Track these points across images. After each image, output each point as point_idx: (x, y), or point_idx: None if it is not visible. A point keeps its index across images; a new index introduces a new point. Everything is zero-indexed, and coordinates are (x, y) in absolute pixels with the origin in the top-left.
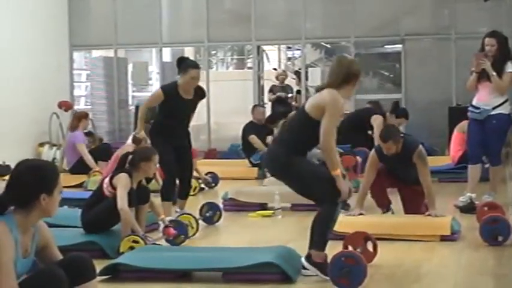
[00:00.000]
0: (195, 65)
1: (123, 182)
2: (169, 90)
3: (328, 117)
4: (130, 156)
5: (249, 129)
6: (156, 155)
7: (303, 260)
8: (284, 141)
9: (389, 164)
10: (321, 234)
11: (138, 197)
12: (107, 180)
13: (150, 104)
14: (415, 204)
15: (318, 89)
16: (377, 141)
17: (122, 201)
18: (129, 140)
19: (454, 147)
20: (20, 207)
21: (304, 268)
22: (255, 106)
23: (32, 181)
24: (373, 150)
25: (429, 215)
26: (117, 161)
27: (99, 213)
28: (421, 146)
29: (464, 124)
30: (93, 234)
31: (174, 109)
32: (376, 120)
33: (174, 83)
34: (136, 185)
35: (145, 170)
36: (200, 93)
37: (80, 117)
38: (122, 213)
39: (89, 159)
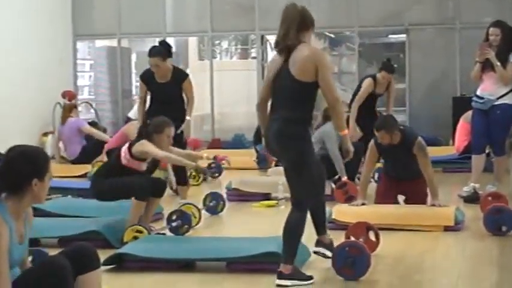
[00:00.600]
0: (150, 53)
1: (147, 144)
2: (144, 76)
3: (325, 72)
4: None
5: None
6: (169, 127)
7: (277, 281)
8: (287, 118)
9: (388, 155)
10: (291, 247)
11: (154, 188)
12: (124, 148)
13: (141, 94)
14: (418, 197)
15: (282, 50)
16: (356, 101)
17: (158, 152)
18: (132, 112)
19: (459, 137)
20: (13, 194)
21: (283, 285)
22: None
23: (24, 166)
24: (372, 142)
25: (433, 205)
26: (122, 137)
27: (113, 182)
28: (420, 137)
29: (470, 114)
30: (97, 223)
31: (153, 93)
32: (365, 83)
33: (149, 68)
34: (153, 176)
35: (157, 142)
36: (177, 76)
37: (71, 108)
38: (166, 159)
39: (100, 135)
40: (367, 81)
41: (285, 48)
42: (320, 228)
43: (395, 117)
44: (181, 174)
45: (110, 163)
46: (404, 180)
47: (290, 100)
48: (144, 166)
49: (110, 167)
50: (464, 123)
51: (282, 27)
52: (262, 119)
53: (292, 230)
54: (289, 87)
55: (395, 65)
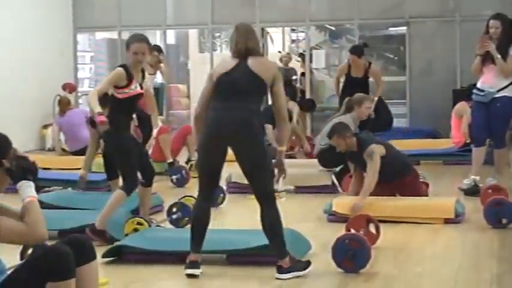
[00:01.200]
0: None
1: (109, 75)
2: None
3: (280, 87)
4: None
5: (269, 115)
6: (135, 43)
7: (277, 275)
8: (252, 110)
9: (358, 164)
10: (279, 242)
11: (143, 175)
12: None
13: None
14: (410, 193)
15: (247, 54)
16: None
17: (99, 85)
18: None
19: (454, 133)
20: None
21: (282, 278)
22: None
23: None
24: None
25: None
26: None
27: (123, 148)
28: (374, 144)
29: (460, 108)
30: (97, 216)
31: None
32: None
33: None
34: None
35: (134, 53)
36: None
37: (68, 101)
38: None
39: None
40: (342, 64)
41: (246, 56)
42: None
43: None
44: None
45: (113, 108)
46: (390, 182)
47: (250, 93)
48: (136, 87)
49: (113, 106)
50: (456, 119)
51: (253, 46)
52: (199, 130)
53: (275, 226)
54: (249, 81)
55: (395, 58)
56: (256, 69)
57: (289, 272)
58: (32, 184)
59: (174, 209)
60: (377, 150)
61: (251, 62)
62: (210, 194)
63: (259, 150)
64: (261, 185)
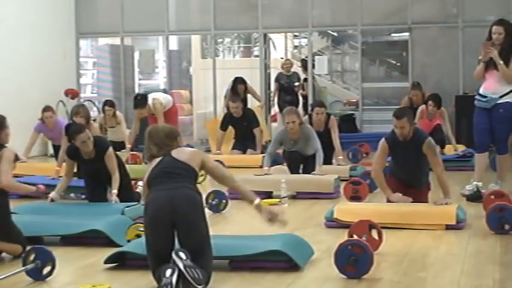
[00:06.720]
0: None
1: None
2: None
3: (212, 162)
4: None
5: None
6: None
7: None
8: (193, 189)
9: (399, 153)
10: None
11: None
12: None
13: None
14: (423, 198)
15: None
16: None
17: None
18: None
19: None
20: None
21: None
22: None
23: None
24: (383, 139)
25: (441, 203)
26: None
27: None
28: (430, 138)
29: None
30: (99, 222)
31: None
32: None
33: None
34: None
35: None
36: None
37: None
38: None
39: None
40: None
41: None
42: None
43: None
44: None
45: None
46: (409, 187)
47: (182, 175)
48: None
49: None
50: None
51: (164, 147)
52: None
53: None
54: (178, 167)
55: (398, 64)
56: (186, 159)
57: None
58: None
59: None
60: None
61: (174, 153)
62: None
63: (207, 230)
64: (207, 265)
